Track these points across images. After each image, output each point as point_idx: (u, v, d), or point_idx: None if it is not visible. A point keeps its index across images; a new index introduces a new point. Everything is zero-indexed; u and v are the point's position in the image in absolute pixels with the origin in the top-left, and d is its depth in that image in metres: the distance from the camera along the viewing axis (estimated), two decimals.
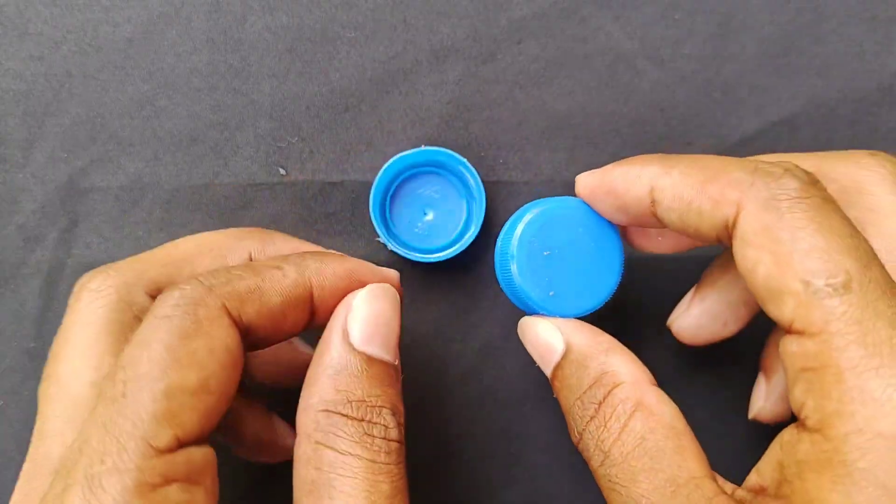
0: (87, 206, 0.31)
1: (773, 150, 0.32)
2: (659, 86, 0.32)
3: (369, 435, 0.21)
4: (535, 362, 0.32)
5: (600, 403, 0.22)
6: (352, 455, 0.20)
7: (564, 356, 0.23)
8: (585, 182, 0.25)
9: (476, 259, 0.31)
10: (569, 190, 0.32)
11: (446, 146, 0.31)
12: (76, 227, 0.31)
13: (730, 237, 0.21)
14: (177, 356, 0.19)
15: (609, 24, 0.31)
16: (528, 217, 0.26)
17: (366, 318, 0.22)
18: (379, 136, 0.32)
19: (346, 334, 0.22)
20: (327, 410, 0.21)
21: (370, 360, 0.22)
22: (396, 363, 0.23)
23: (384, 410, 0.21)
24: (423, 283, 0.32)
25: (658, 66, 0.32)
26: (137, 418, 0.18)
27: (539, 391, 0.32)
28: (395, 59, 0.31)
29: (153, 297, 0.23)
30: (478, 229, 0.30)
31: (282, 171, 0.32)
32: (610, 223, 0.27)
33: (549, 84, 0.32)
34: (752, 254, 0.20)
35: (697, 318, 0.27)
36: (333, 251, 0.24)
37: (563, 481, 0.32)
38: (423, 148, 0.31)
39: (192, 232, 0.31)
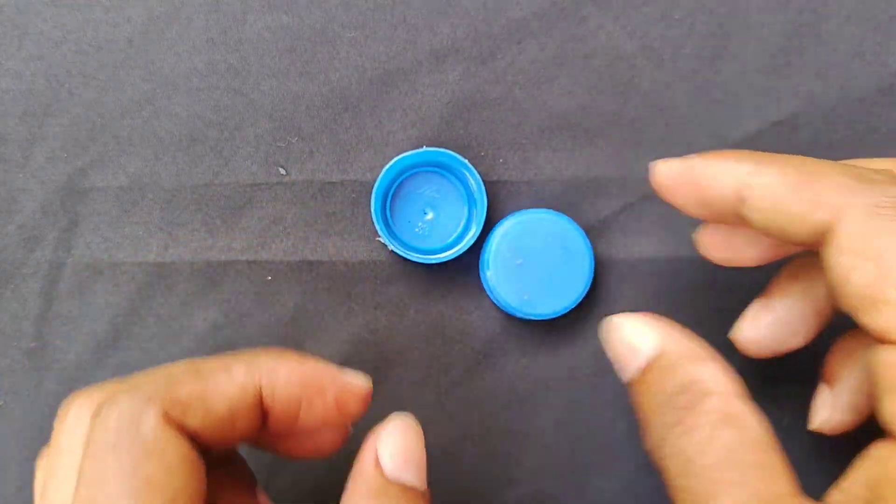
0: (87, 206, 0.31)
1: (773, 150, 0.32)
2: (659, 86, 0.32)
3: None
4: (533, 362, 0.32)
5: (687, 411, 0.21)
6: None
7: (654, 360, 0.22)
8: (665, 172, 0.24)
9: (476, 260, 0.31)
10: (568, 188, 0.32)
11: (446, 146, 0.31)
12: (76, 227, 0.31)
13: (820, 242, 0.21)
14: (135, 486, 0.19)
15: (609, 24, 0.31)
16: (501, 229, 0.30)
17: (396, 447, 0.22)
18: (379, 136, 0.32)
19: (378, 464, 0.22)
20: None
21: (404, 488, 0.22)
22: (426, 489, 0.23)
23: None
24: (423, 283, 0.32)
25: (658, 66, 0.32)
26: None
27: (539, 391, 0.32)
28: (395, 59, 0.31)
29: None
30: (479, 231, 0.30)
31: (282, 171, 0.32)
32: (580, 230, 0.30)
33: (549, 84, 0.32)
34: (847, 261, 0.19)
35: (767, 328, 0.26)
36: (293, 351, 0.23)
37: (564, 481, 0.32)
38: (424, 149, 0.31)
39: (193, 232, 0.31)
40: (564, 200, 0.32)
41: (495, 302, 0.30)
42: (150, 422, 0.19)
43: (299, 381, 0.22)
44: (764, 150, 0.32)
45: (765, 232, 0.22)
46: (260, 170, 0.31)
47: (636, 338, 0.23)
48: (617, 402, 0.32)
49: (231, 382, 0.21)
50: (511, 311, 0.30)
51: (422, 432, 0.23)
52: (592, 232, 0.31)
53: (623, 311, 0.24)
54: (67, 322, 0.31)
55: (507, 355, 0.32)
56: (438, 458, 0.32)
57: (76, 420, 0.22)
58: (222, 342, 0.32)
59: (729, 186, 0.22)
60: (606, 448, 0.32)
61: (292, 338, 0.32)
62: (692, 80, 0.32)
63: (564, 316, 0.31)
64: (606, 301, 0.32)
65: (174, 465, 0.19)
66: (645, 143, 0.32)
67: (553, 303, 0.30)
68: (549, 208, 0.31)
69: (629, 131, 0.32)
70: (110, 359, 0.32)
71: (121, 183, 0.31)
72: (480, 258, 0.31)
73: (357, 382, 0.23)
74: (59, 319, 0.31)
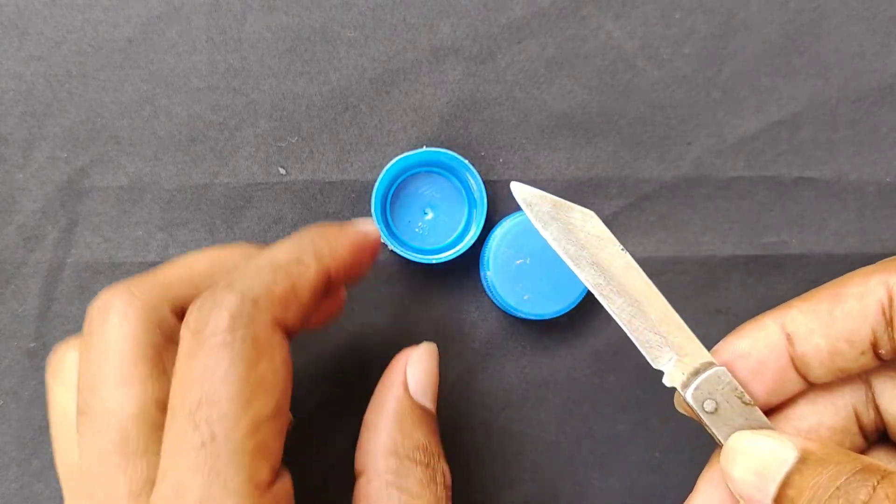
0: (87, 206, 0.31)
1: (774, 150, 0.32)
2: (659, 86, 0.32)
3: (433, 481, 0.23)
4: (533, 362, 0.32)
5: (873, 488, 0.19)
6: (421, 498, 0.22)
7: (802, 461, 0.21)
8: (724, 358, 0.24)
9: (476, 259, 0.31)
10: (568, 188, 0.32)
11: (446, 146, 0.31)
12: (76, 227, 0.31)
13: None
14: (251, 386, 0.19)
15: (609, 24, 0.31)
16: (501, 229, 0.29)
17: (422, 373, 0.24)
18: (379, 136, 0.32)
19: (406, 386, 0.24)
20: (397, 454, 0.23)
21: (424, 410, 0.24)
22: (435, 415, 0.25)
23: (441, 458, 0.24)
24: (423, 283, 0.32)
25: (658, 66, 0.32)
26: (237, 459, 0.18)
27: (539, 391, 0.32)
28: (395, 59, 0.31)
29: (179, 315, 0.22)
30: (479, 231, 0.30)
31: (282, 171, 0.32)
32: None
33: (549, 84, 0.32)
34: None
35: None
36: (334, 225, 0.24)
37: (564, 481, 0.32)
38: (425, 149, 0.31)
39: (193, 232, 0.31)
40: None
41: (495, 302, 0.30)
42: (263, 325, 0.20)
43: (351, 251, 0.23)
44: (764, 150, 0.32)
45: (832, 364, 0.22)
46: (260, 170, 0.31)
47: (773, 446, 0.21)
48: (616, 402, 0.32)
49: (309, 272, 0.21)
50: (511, 311, 0.30)
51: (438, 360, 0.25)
52: None
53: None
54: (67, 322, 0.31)
55: (507, 355, 0.32)
56: None
57: (122, 320, 0.21)
58: None
59: (772, 336, 0.23)
60: (606, 448, 0.32)
61: None
62: (692, 80, 0.32)
63: (564, 316, 0.30)
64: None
65: (280, 368, 0.20)
66: (645, 143, 0.32)
67: (553, 303, 0.30)
68: None
69: (629, 131, 0.32)
70: None
71: (121, 183, 0.31)
72: (480, 258, 0.31)
73: (370, 229, 0.24)
74: (59, 319, 0.31)
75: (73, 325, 0.31)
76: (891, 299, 0.22)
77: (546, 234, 0.24)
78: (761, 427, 0.23)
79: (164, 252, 0.31)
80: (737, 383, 0.23)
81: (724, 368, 0.23)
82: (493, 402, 0.32)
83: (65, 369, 0.23)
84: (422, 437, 0.23)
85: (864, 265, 0.31)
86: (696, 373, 0.23)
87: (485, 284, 0.31)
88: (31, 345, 0.31)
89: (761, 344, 0.23)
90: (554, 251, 0.29)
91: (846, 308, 0.22)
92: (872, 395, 0.24)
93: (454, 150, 0.30)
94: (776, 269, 0.31)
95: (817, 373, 0.23)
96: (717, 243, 0.32)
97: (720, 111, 0.32)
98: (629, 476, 0.32)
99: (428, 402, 0.24)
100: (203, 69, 0.31)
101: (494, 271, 0.29)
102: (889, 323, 0.22)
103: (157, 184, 0.31)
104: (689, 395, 0.23)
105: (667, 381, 0.24)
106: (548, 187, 0.32)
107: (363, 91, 0.31)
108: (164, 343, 0.22)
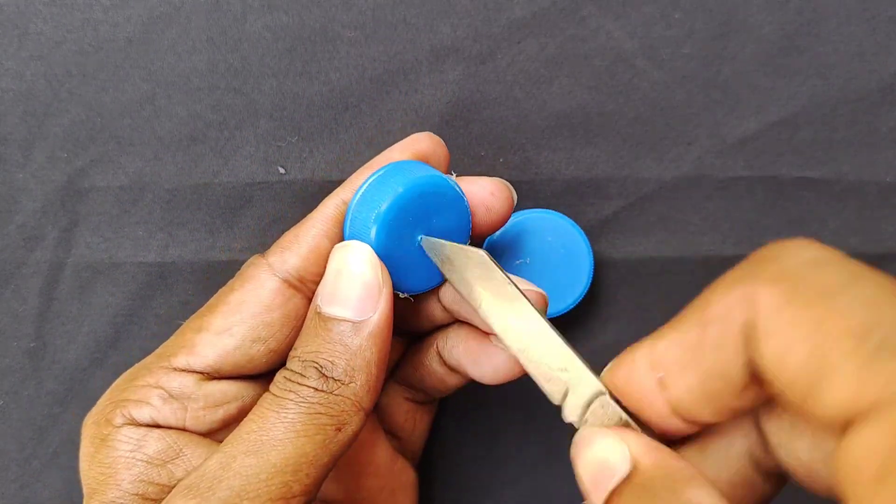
0: (87, 206, 0.31)
1: (774, 150, 0.32)
2: (659, 86, 0.32)
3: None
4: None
5: None
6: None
7: (628, 479, 0.18)
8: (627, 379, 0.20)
9: None
10: (568, 188, 0.32)
11: (446, 146, 0.31)
12: (76, 227, 0.31)
13: (756, 363, 0.17)
14: (216, 300, 0.25)
15: (609, 24, 0.31)
16: (499, 230, 0.29)
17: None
18: (379, 136, 0.32)
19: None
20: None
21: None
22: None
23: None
24: None
25: (658, 66, 0.32)
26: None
27: (539, 391, 0.32)
28: (395, 59, 0.31)
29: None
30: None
31: (281, 171, 0.32)
32: (580, 230, 0.30)
33: (549, 84, 0.32)
34: (776, 344, 0.16)
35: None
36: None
37: (563, 481, 0.32)
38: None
39: (193, 232, 0.31)
40: (564, 200, 0.32)
41: None
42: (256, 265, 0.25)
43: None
44: (764, 150, 0.32)
45: (703, 404, 0.19)
46: (260, 169, 0.31)
47: (608, 451, 0.19)
48: None
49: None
50: None
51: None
52: (592, 232, 0.31)
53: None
54: (67, 322, 0.32)
55: None
56: (439, 458, 0.32)
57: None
58: None
59: (644, 379, 0.19)
60: None
61: None
62: (692, 80, 0.32)
63: (564, 316, 0.31)
64: (606, 301, 0.32)
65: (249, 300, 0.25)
66: (645, 143, 0.32)
67: (553, 303, 0.30)
68: (549, 208, 0.31)
69: (629, 131, 0.32)
70: (110, 359, 0.32)
71: (121, 183, 0.31)
72: None
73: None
74: (59, 319, 0.32)
75: (73, 325, 0.31)
76: (752, 323, 0.17)
77: (444, 271, 0.25)
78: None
79: (164, 252, 0.31)
80: (620, 411, 0.20)
81: (606, 396, 0.21)
82: (492, 401, 0.32)
83: None
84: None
85: (865, 265, 0.31)
86: (588, 405, 0.21)
87: None
88: (31, 345, 0.31)
89: (634, 386, 0.20)
90: (553, 251, 0.30)
91: (712, 336, 0.18)
92: (764, 437, 0.20)
93: (454, 151, 0.30)
94: None
95: (703, 416, 0.19)
96: (717, 243, 0.32)
97: (720, 111, 0.32)
98: None
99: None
100: (203, 69, 0.31)
101: None
102: (753, 351, 0.17)
103: (157, 184, 0.31)
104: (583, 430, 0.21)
105: (565, 417, 0.22)
106: (548, 187, 0.32)
107: (363, 91, 0.31)
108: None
